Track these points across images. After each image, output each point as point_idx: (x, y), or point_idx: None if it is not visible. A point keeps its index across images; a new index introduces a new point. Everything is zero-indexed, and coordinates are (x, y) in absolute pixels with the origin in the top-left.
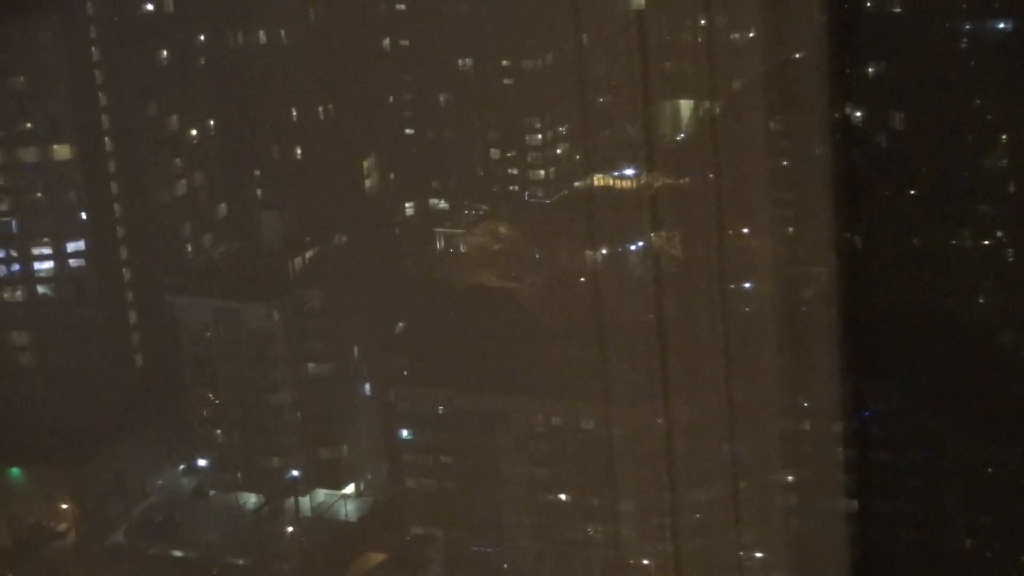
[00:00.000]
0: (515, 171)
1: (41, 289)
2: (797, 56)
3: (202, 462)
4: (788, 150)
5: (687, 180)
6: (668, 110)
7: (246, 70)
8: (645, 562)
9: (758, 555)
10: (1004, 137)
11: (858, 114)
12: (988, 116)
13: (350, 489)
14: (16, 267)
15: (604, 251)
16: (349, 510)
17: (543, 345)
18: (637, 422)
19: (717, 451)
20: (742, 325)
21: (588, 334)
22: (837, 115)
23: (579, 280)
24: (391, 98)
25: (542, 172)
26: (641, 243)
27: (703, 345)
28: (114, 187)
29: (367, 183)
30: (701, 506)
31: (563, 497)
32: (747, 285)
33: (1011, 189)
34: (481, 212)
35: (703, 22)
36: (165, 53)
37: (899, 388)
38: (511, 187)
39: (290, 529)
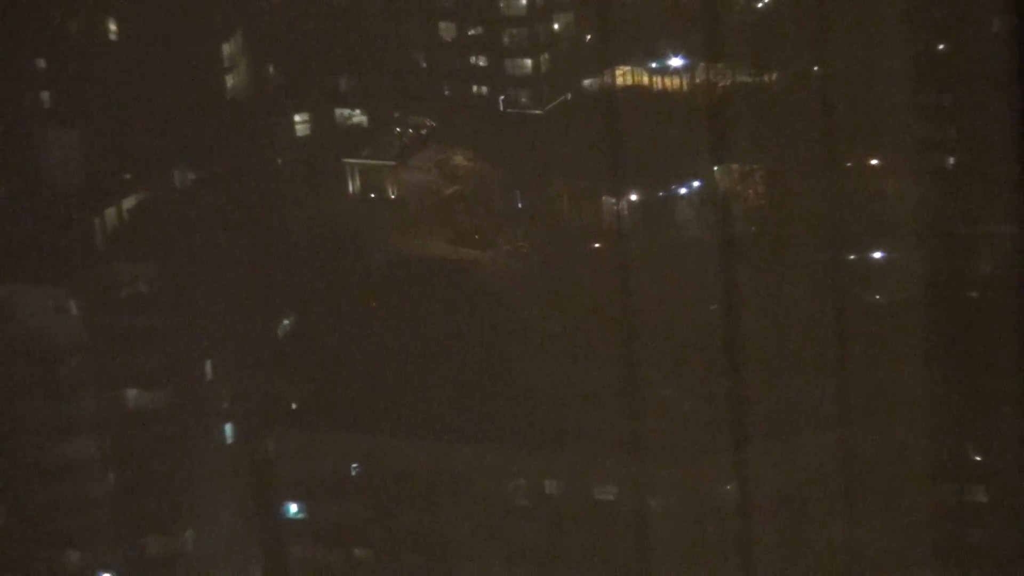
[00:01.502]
0: (482, 61)
1: None
2: None
3: None
4: (944, 25)
5: (774, 76)
6: None
7: None
8: None
9: None
10: None
11: None
12: None
13: None
14: None
15: (633, 197)
16: None
17: (529, 359)
18: (691, 490)
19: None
20: (870, 322)
21: (606, 340)
22: None
23: (591, 248)
24: None
25: (528, 63)
26: (696, 183)
27: (802, 357)
28: None
29: (229, 81)
30: None
31: None
32: (877, 255)
33: None
34: (424, 132)
35: None
36: None
37: None
38: (476, 88)
39: None
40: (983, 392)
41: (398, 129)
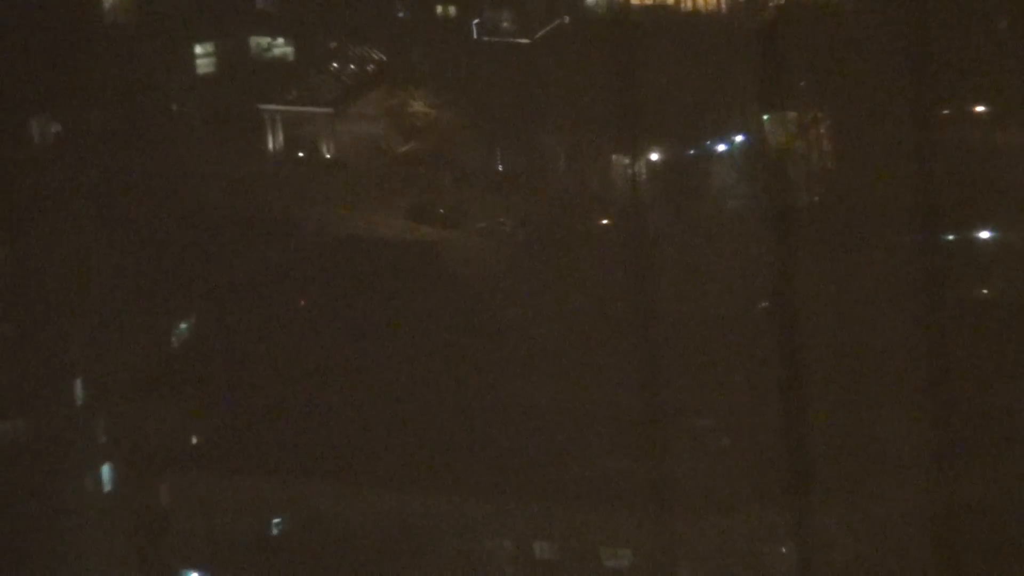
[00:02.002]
0: None
1: None
2: None
3: None
4: None
5: None
6: None
7: None
8: None
9: None
10: None
11: None
12: None
13: None
14: None
15: (653, 157)
16: None
17: (514, 376)
18: (731, 552)
19: None
20: (975, 325)
21: (616, 350)
22: None
23: (596, 226)
24: None
25: None
26: (738, 138)
27: (883, 374)
28: None
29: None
30: None
31: None
32: (983, 235)
33: None
34: (370, 68)
35: None
36: None
37: None
38: (441, 9)
39: None
40: None
41: (335, 65)
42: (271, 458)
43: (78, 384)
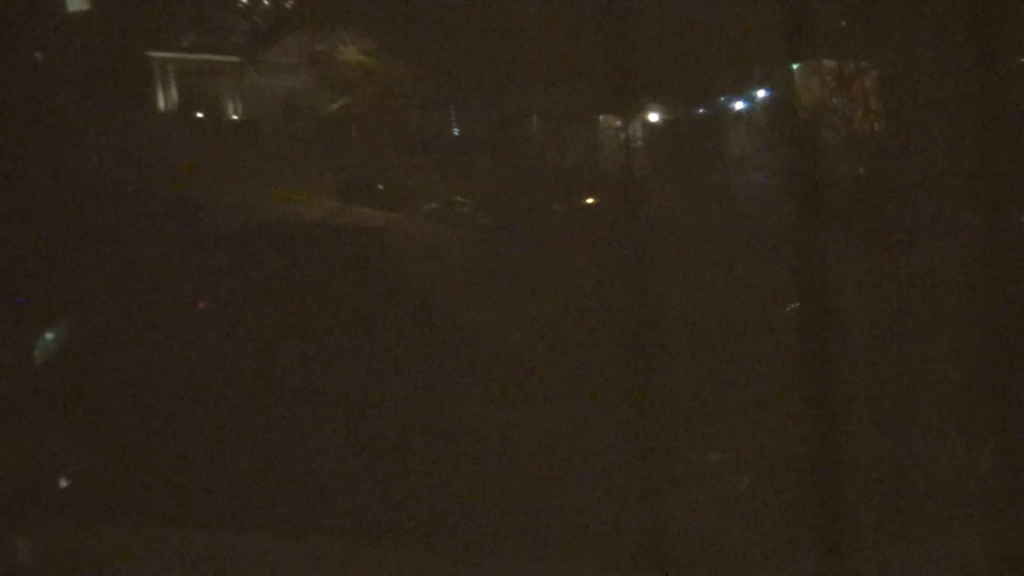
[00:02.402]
0: None
1: None
2: None
3: None
4: None
5: None
6: None
7: None
8: None
9: None
10: None
11: None
12: None
13: None
14: None
15: (652, 118)
16: None
17: (475, 398)
18: None
19: None
20: None
21: (606, 365)
22: None
23: (580, 205)
24: None
25: None
26: (760, 93)
27: (946, 398)
28: None
29: None
30: None
31: None
32: None
33: None
34: (289, 4)
35: None
36: None
37: None
38: None
39: None
40: None
41: (244, 0)
42: (163, 504)
43: None
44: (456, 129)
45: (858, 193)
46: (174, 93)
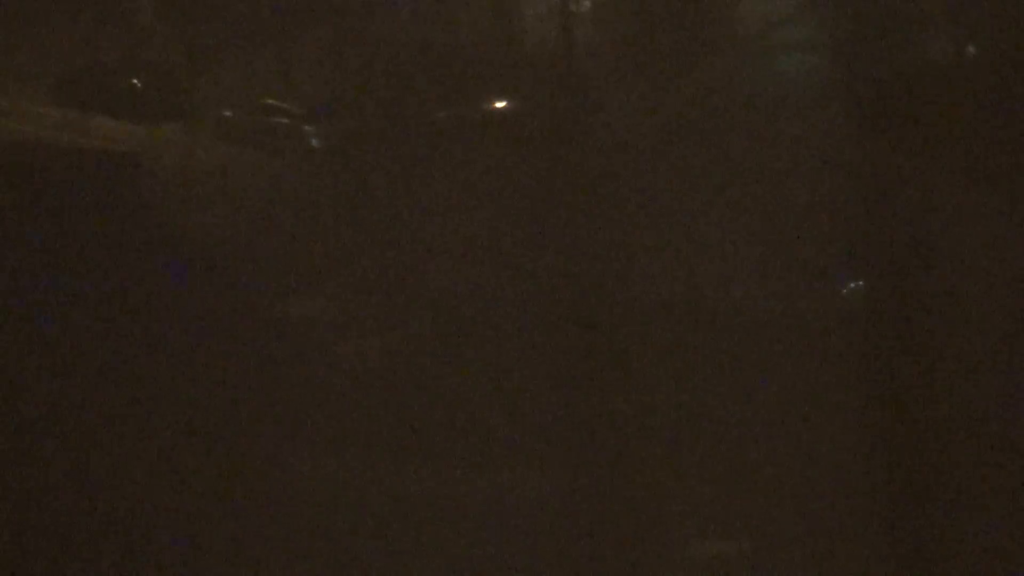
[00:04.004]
0: None
1: None
2: None
3: None
4: None
5: None
6: None
7: None
8: None
9: None
10: None
11: None
12: None
13: None
14: None
15: None
16: None
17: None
18: None
19: None
20: None
21: (551, 385)
22: None
23: (491, 113)
24: None
25: None
26: None
27: None
28: None
29: None
30: None
31: None
32: None
33: None
34: None
35: None
36: None
37: None
38: None
39: None
40: None
41: None
42: None
43: None
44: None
45: (959, 97)
46: None
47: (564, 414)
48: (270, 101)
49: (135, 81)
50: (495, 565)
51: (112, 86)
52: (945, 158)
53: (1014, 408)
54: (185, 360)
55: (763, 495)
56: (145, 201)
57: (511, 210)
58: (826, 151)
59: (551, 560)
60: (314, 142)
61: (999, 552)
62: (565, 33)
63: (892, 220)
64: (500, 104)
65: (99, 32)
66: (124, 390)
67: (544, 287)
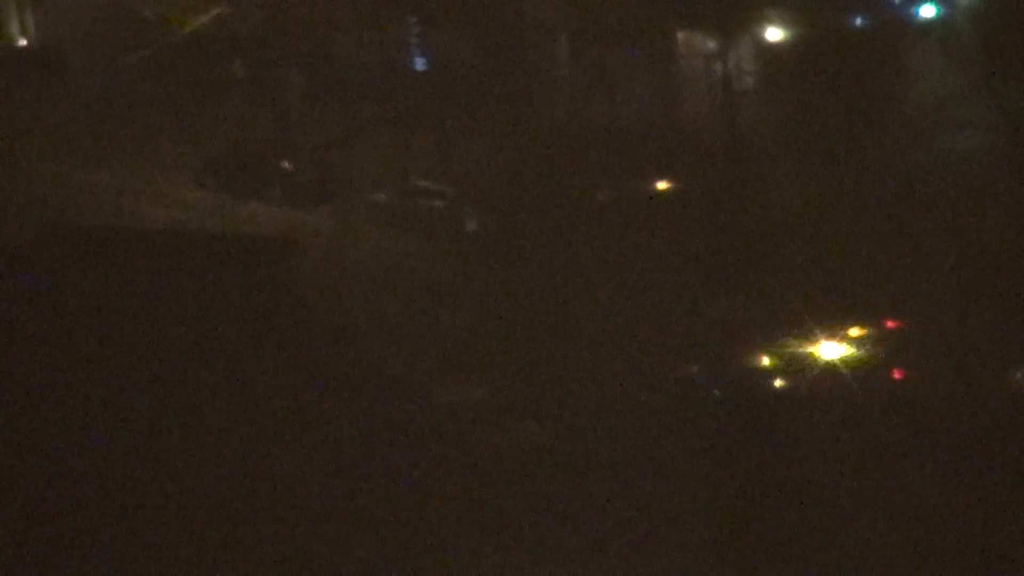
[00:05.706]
0: None
1: None
2: None
3: None
4: None
5: None
6: None
7: None
8: None
9: None
10: None
11: None
12: None
13: None
14: None
15: (769, 36)
16: None
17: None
18: None
19: None
20: None
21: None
22: None
23: (647, 192)
24: None
25: None
26: None
27: None
28: None
29: None
30: None
31: None
32: None
33: None
34: None
35: None
36: None
37: None
38: None
39: None
40: None
41: None
42: None
43: None
44: (417, 61)
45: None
46: None
47: (717, 494)
48: (423, 183)
49: (284, 163)
50: None
51: (260, 169)
52: None
53: None
54: (333, 446)
55: None
56: (294, 288)
57: (672, 293)
58: (999, 228)
59: None
60: (469, 225)
61: None
62: (727, 111)
63: None
64: (663, 184)
65: (247, 113)
66: (272, 479)
67: (705, 370)
